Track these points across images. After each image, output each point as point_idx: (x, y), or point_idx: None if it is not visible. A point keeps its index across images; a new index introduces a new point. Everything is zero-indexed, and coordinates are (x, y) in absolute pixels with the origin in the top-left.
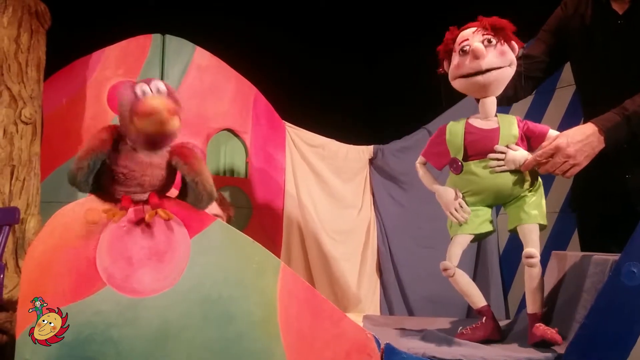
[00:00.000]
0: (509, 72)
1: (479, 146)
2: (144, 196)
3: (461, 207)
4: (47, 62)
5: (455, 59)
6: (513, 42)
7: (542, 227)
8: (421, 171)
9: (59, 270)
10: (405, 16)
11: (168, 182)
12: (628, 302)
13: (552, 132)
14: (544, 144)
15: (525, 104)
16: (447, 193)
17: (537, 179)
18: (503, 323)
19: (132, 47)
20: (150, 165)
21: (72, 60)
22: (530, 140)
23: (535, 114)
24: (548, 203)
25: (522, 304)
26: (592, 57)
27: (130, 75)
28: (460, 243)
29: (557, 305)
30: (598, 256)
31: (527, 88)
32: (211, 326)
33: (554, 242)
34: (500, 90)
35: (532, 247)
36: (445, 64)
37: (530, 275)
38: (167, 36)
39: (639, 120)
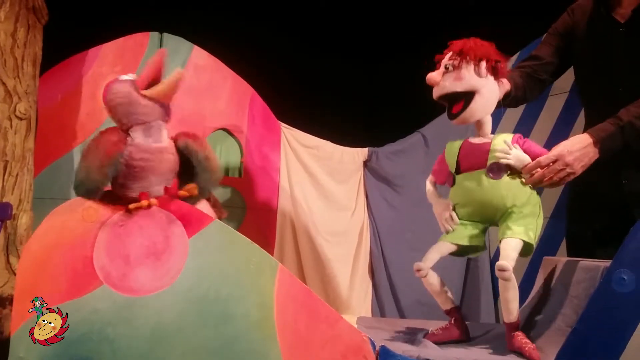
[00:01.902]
0: (479, 100)
1: (470, 159)
2: (160, 189)
3: (451, 218)
4: (44, 58)
5: None
6: (482, 64)
7: (528, 247)
8: (427, 186)
9: (55, 269)
10: (403, 21)
11: (178, 169)
12: (618, 308)
13: None
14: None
15: (517, 112)
16: (439, 204)
17: (527, 197)
18: (494, 328)
19: (130, 44)
20: (164, 150)
21: (68, 56)
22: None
23: (527, 121)
24: None
25: None
26: (596, 65)
27: (127, 73)
28: (439, 249)
29: (548, 310)
30: (589, 262)
31: (535, 90)
32: (208, 326)
33: (544, 247)
34: (474, 118)
35: (506, 260)
36: None
37: (505, 287)
38: (165, 34)
39: (632, 131)
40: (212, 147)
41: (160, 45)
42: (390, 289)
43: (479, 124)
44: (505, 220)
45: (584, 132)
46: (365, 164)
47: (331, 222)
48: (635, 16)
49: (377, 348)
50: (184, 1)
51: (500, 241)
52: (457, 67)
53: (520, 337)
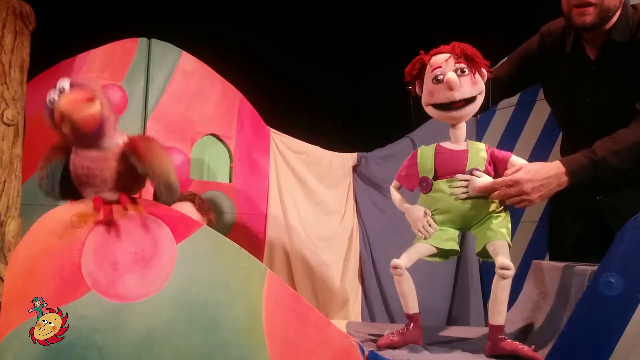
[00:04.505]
0: (479, 101)
1: (448, 166)
2: (114, 196)
3: (429, 224)
4: (31, 64)
5: (428, 84)
6: (483, 70)
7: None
8: (394, 194)
9: (43, 275)
10: (391, 27)
11: (132, 176)
12: (606, 311)
13: (515, 159)
14: (507, 171)
15: (506, 115)
16: (415, 211)
17: (503, 203)
18: (484, 331)
19: (118, 50)
20: (106, 158)
21: (56, 62)
22: (496, 166)
23: (516, 124)
24: (527, 213)
25: None
26: (567, 98)
27: (115, 79)
28: (419, 250)
29: (536, 313)
30: (577, 266)
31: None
32: (197, 332)
33: (532, 251)
34: (469, 117)
35: (507, 259)
36: (417, 86)
37: (502, 287)
38: (153, 40)
39: (604, 167)
40: (201, 153)
41: (149, 51)
42: (380, 294)
43: (456, 128)
44: (484, 225)
45: (561, 147)
46: (355, 168)
47: (321, 227)
48: (605, 52)
49: (366, 353)
50: (172, 7)
51: (484, 247)
52: (470, 71)
53: (509, 340)
